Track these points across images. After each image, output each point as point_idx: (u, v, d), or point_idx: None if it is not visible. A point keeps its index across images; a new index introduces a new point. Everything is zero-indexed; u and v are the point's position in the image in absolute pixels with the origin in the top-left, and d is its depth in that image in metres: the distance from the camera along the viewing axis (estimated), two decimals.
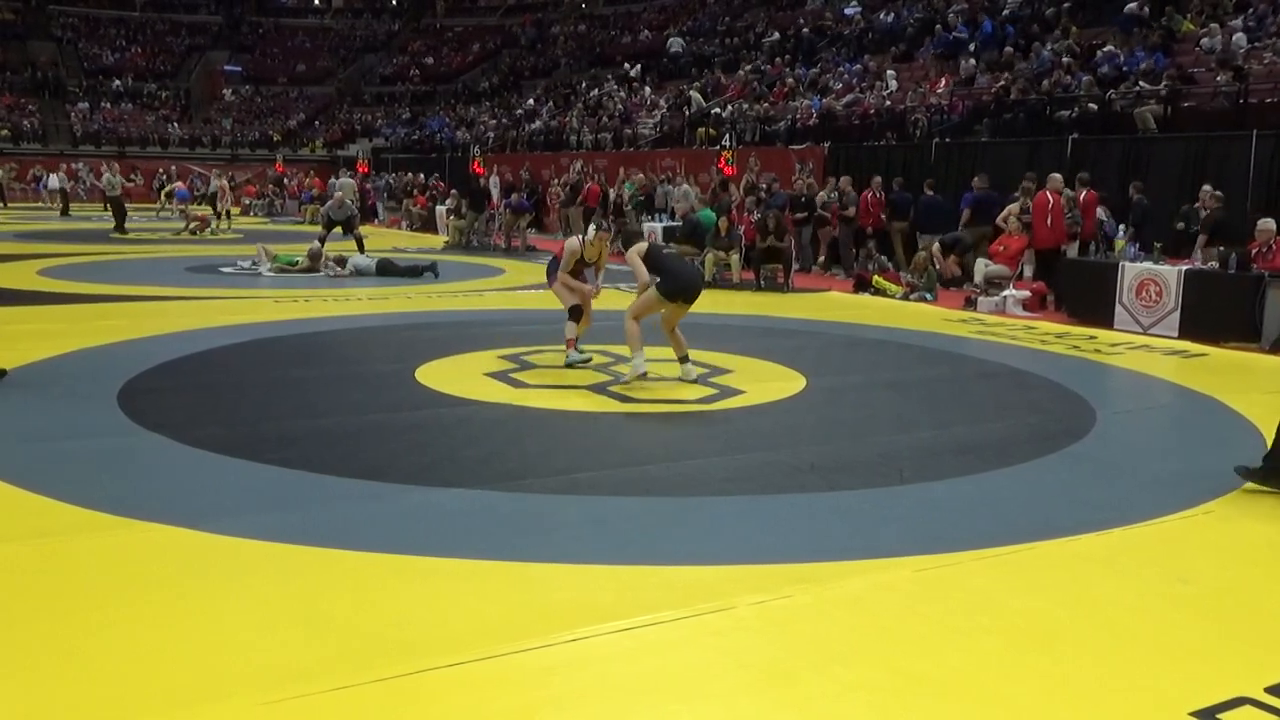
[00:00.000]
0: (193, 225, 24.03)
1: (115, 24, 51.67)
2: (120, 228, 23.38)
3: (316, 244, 16.15)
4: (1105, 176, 14.32)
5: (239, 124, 46.21)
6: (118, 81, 47.01)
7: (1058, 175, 13.35)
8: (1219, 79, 15.09)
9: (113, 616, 3.58)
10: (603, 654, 3.40)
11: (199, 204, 26.68)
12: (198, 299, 12.23)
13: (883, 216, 16.25)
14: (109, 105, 44.98)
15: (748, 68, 26.93)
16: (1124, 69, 16.63)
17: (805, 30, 27.71)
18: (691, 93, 26.73)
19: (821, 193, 16.94)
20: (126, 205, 24.97)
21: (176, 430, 6.02)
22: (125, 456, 5.57)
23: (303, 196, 31.52)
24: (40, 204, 32.56)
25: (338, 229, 17.58)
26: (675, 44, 32.85)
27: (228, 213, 26.54)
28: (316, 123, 47.37)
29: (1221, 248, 11.10)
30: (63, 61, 46.73)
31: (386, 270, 15.58)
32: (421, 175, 30.00)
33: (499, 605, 3.74)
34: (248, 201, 34.72)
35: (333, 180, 30.48)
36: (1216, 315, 10.45)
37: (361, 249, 17.14)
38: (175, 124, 45.09)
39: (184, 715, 2.94)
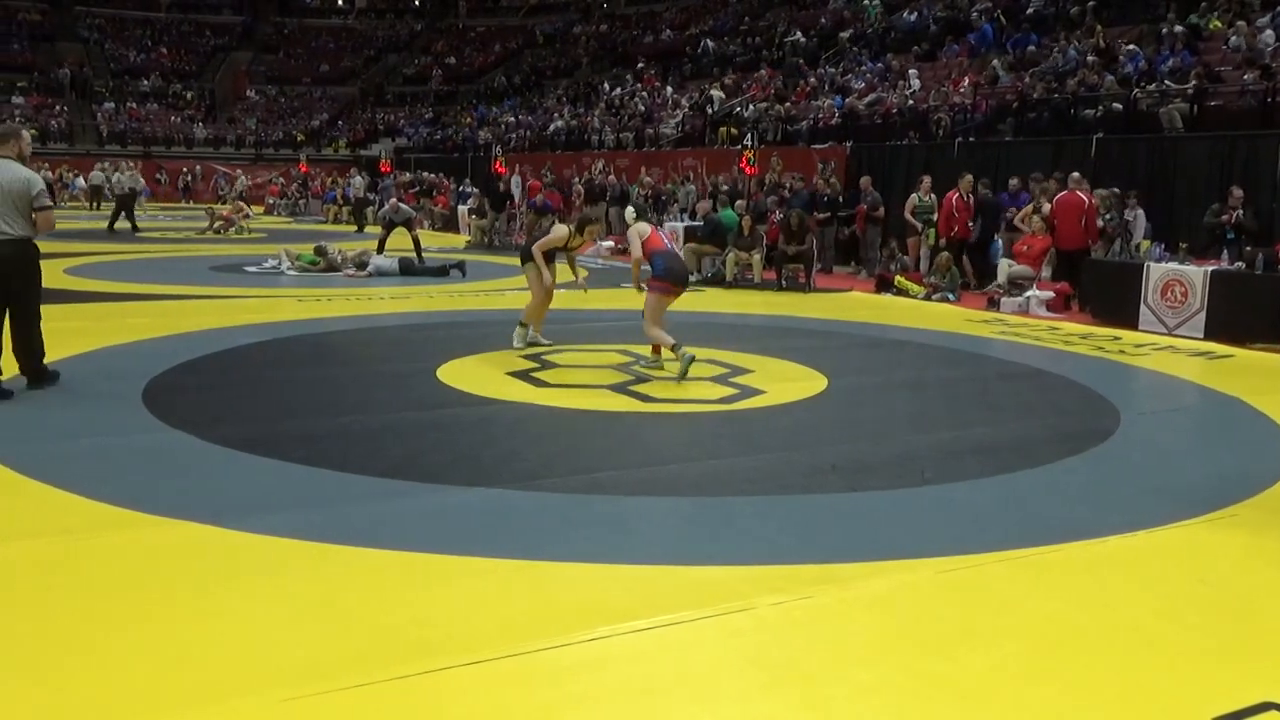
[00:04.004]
0: (217, 225, 24.18)
1: (141, 24, 52.13)
2: (112, 226, 22.99)
3: (376, 255, 16.23)
4: (1131, 176, 14.19)
5: (263, 124, 46.51)
6: (145, 82, 47.39)
7: (1077, 174, 13.25)
8: (1246, 77, 14.94)
9: (136, 612, 3.61)
10: (622, 654, 3.40)
11: (222, 203, 26.84)
12: (222, 298, 12.32)
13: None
14: (135, 105, 45.34)
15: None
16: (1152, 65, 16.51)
17: (808, 39, 27.63)
18: (713, 91, 26.69)
19: (914, 195, 15.55)
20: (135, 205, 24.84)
21: (200, 428, 6.07)
22: (150, 454, 5.61)
23: (326, 196, 31.69)
24: (77, 204, 32.80)
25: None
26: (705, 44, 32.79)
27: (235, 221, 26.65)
28: (340, 123, 47.63)
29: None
30: (89, 62, 47.15)
31: (410, 270, 15.64)
32: (442, 175, 30.10)
33: (519, 604, 3.75)
34: (271, 201, 34.92)
35: (331, 180, 30.70)
36: (1243, 316, 10.36)
37: (419, 250, 17.13)
38: (200, 124, 45.42)
39: (205, 711, 2.96)
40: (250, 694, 3.04)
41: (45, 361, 7.12)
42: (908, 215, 15.45)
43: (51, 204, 6.99)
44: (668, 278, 7.98)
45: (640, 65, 34.41)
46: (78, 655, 3.29)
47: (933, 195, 15.19)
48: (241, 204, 27.27)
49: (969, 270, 14.28)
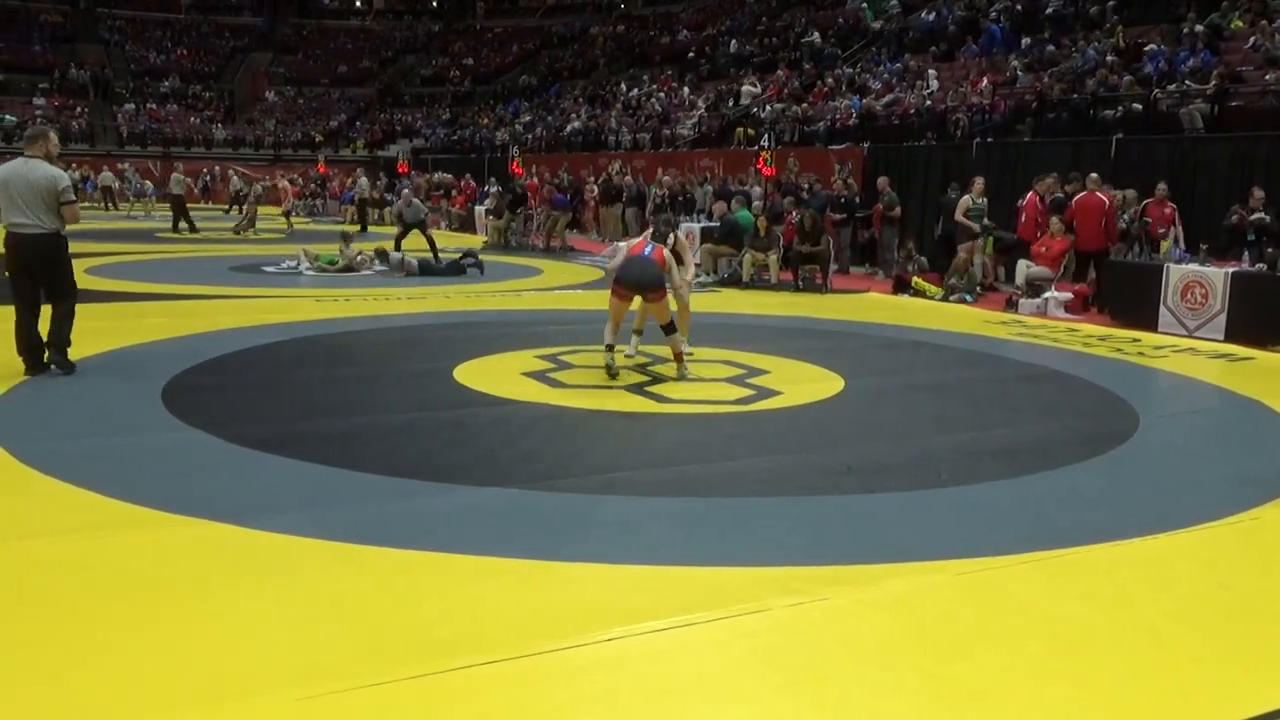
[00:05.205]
0: (240, 224, 24.40)
1: (161, 26, 52.45)
2: (177, 226, 23.81)
3: (394, 251, 16.31)
4: (1151, 177, 14.09)
5: (282, 125, 46.73)
6: (164, 83, 47.69)
7: (1095, 175, 13.14)
8: (1267, 77, 14.83)
9: (153, 611, 3.63)
10: (637, 654, 3.40)
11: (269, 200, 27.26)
12: (240, 298, 12.38)
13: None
14: (155, 106, 45.62)
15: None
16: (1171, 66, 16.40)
17: (826, 39, 27.58)
18: (744, 86, 26.53)
19: (966, 196, 14.58)
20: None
21: (218, 427, 6.10)
22: (168, 453, 5.64)
23: (344, 197, 31.83)
24: (92, 203, 33.10)
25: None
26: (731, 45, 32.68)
27: (287, 214, 26.96)
28: (357, 123, 47.81)
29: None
30: (110, 63, 47.47)
31: (429, 269, 15.71)
32: (469, 176, 30.13)
33: (534, 604, 3.75)
34: (292, 202, 35.07)
35: (351, 180, 30.89)
36: (1265, 318, 10.27)
37: (435, 250, 17.09)
38: (219, 125, 45.67)
39: (221, 709, 2.97)
40: (267, 692, 3.05)
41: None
42: (960, 218, 14.57)
43: (75, 199, 7.60)
44: (619, 280, 8.01)
45: (693, 62, 34.17)
46: (95, 653, 3.30)
47: (985, 197, 14.55)
48: (287, 186, 27.68)
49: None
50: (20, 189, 7.17)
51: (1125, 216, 13.04)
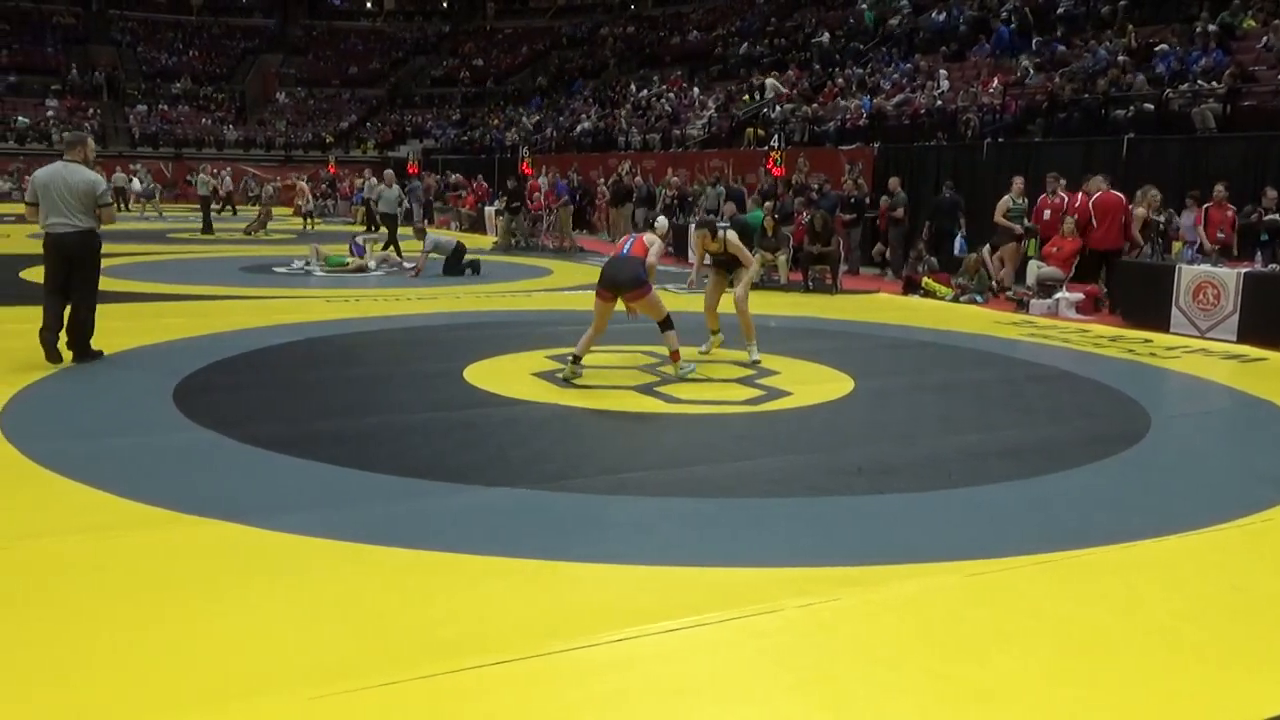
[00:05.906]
0: (252, 225, 24.48)
1: (173, 28, 52.65)
2: (207, 228, 23.95)
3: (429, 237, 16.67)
4: (1162, 177, 14.05)
5: (292, 125, 46.85)
6: (176, 84, 47.86)
7: (1099, 176, 13.05)
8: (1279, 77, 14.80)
9: (164, 610, 3.64)
10: (647, 655, 3.40)
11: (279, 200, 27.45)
12: (251, 298, 12.42)
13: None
14: (166, 107, 45.79)
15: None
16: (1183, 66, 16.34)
17: (835, 39, 27.52)
18: (768, 80, 26.45)
19: (1006, 197, 14.16)
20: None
21: (229, 427, 6.11)
22: (180, 452, 5.65)
23: (354, 198, 31.91)
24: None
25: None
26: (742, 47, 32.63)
27: (309, 214, 27.08)
28: (368, 124, 47.91)
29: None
30: (122, 65, 47.67)
31: (453, 257, 15.96)
32: (480, 177, 30.18)
33: (544, 605, 3.75)
34: (311, 201, 35.16)
35: (361, 180, 31.04)
36: (1277, 319, 10.22)
37: (390, 245, 17.33)
38: (230, 126, 45.81)
39: (231, 709, 2.98)
40: (278, 692, 3.06)
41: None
42: (1000, 219, 14.16)
43: (111, 203, 8.12)
44: (599, 280, 7.95)
45: (703, 63, 34.16)
46: (103, 653, 3.31)
47: (1025, 198, 14.17)
48: (304, 186, 27.83)
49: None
50: (60, 191, 7.63)
51: (1160, 219, 12.90)
